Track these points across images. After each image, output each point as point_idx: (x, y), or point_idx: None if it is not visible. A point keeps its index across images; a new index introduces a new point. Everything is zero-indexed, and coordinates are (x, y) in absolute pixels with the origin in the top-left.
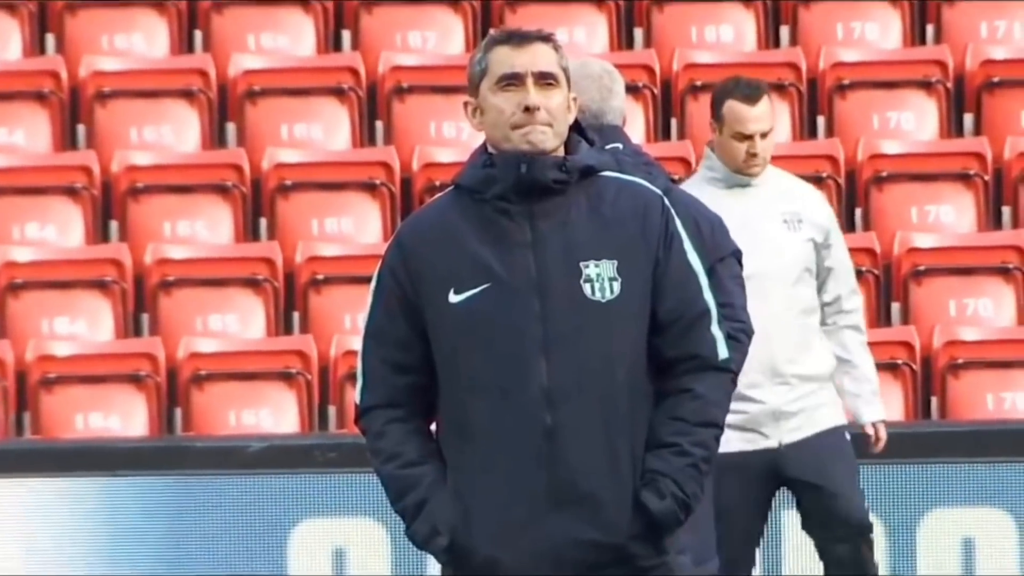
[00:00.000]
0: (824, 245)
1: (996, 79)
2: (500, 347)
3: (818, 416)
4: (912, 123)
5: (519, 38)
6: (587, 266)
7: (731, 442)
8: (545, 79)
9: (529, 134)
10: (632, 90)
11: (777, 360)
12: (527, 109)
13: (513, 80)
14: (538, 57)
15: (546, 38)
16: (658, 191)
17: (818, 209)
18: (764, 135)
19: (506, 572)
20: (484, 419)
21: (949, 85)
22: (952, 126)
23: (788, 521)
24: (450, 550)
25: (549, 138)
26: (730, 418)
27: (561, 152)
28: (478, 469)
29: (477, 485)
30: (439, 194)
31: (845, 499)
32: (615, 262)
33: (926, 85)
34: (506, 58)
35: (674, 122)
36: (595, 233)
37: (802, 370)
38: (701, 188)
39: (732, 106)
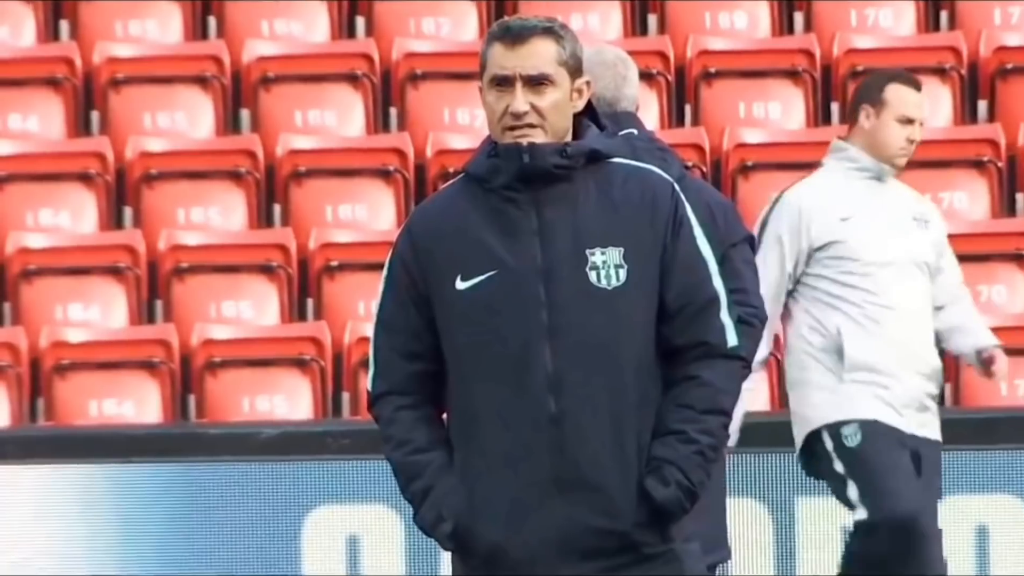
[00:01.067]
0: (939, 254)
1: (1010, 65)
2: (505, 334)
3: (936, 424)
4: (925, 109)
5: (514, 35)
6: (593, 253)
7: (891, 418)
8: (534, 81)
9: (518, 136)
10: (646, 77)
11: (920, 351)
12: (515, 114)
13: (502, 82)
14: (530, 58)
15: (546, 30)
16: (668, 177)
17: (939, 219)
18: (922, 124)
19: (510, 559)
20: (490, 406)
21: (963, 71)
22: (966, 113)
23: (802, 515)
24: (455, 536)
25: (539, 138)
26: (885, 393)
27: (569, 139)
28: (484, 455)
29: (482, 471)
30: (450, 182)
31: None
32: (622, 249)
33: (940, 71)
34: (498, 58)
35: (688, 108)
36: (602, 220)
37: (935, 364)
38: (833, 178)
39: (899, 90)
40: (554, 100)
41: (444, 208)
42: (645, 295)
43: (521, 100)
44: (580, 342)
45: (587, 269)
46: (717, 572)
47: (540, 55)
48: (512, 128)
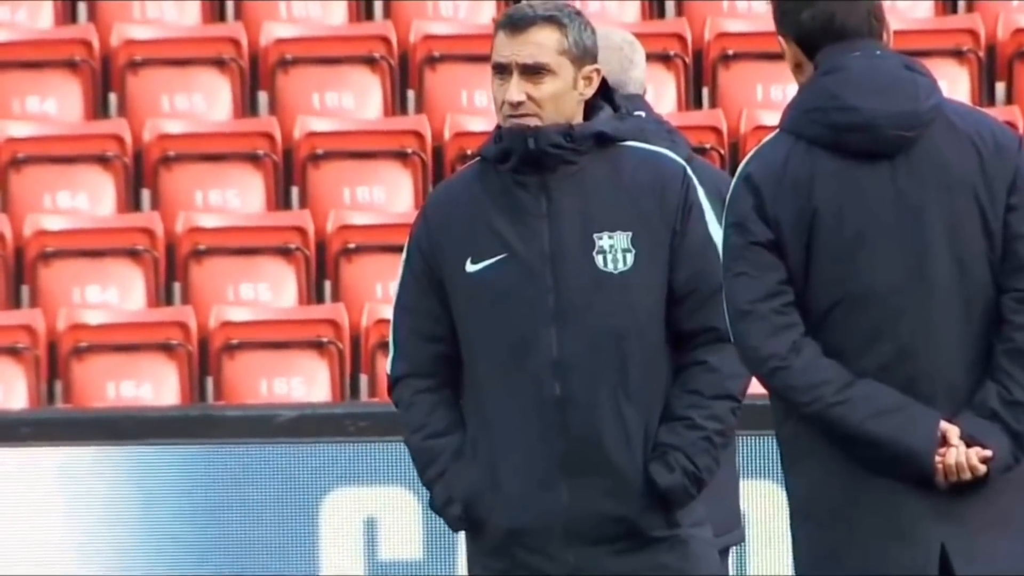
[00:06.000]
0: None
1: None
2: (512, 317)
3: None
4: (944, 91)
5: (515, 24)
6: (601, 237)
7: None
8: (531, 70)
9: (516, 125)
10: (664, 59)
11: None
12: (510, 103)
13: (502, 71)
14: (527, 47)
15: (549, 18)
16: (681, 161)
17: None
18: None
19: (518, 542)
20: (497, 388)
21: (981, 54)
22: (984, 95)
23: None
24: (464, 519)
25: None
26: None
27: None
28: (491, 439)
29: (490, 455)
30: (466, 165)
31: None
32: (630, 233)
33: (958, 54)
34: (499, 47)
35: (706, 91)
36: (611, 204)
37: None
38: None
39: None
40: (552, 90)
41: (458, 192)
42: (653, 280)
43: (515, 90)
44: (586, 326)
45: (594, 253)
46: (731, 554)
47: (539, 44)
48: (511, 117)
